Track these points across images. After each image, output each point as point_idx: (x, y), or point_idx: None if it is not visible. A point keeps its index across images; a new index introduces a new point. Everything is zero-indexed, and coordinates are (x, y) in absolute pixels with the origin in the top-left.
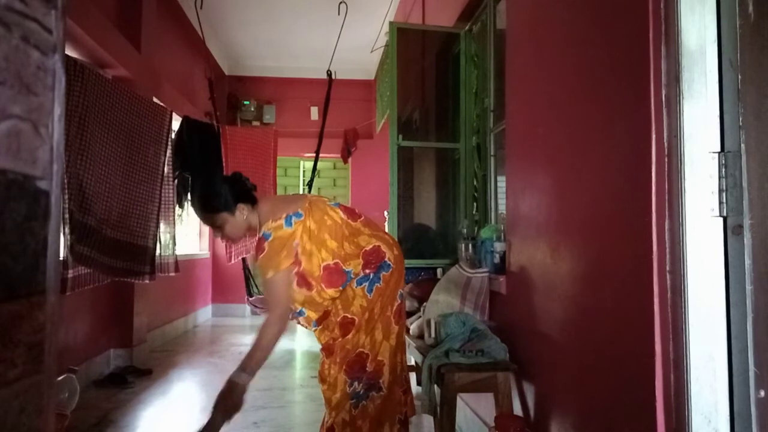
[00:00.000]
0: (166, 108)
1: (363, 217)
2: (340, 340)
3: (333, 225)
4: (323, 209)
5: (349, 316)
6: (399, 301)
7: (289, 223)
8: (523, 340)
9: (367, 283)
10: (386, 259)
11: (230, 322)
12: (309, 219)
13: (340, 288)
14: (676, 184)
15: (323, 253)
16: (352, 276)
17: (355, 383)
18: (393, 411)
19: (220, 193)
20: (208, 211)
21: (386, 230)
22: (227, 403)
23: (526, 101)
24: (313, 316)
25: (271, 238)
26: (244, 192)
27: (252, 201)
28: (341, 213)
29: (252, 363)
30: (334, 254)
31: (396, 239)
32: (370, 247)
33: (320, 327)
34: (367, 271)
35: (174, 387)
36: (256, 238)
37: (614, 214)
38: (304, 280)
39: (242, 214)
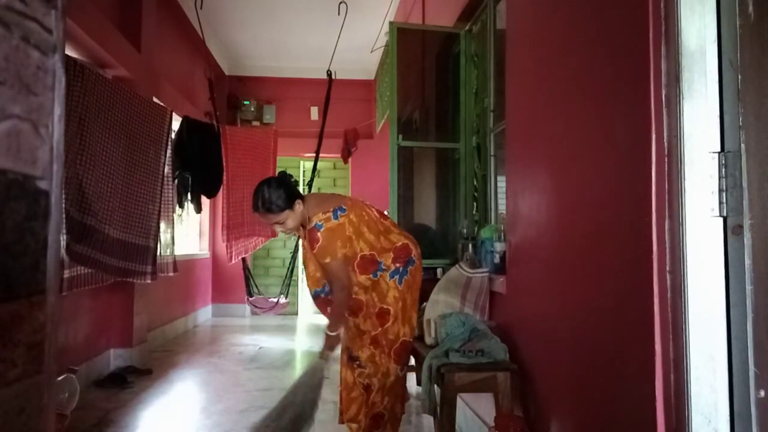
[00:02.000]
0: (166, 108)
1: (390, 220)
2: (380, 329)
3: (370, 221)
4: (362, 206)
5: (385, 306)
6: (417, 294)
7: (336, 216)
8: (523, 340)
9: (397, 276)
10: (412, 256)
11: (230, 322)
12: (351, 213)
13: (371, 276)
14: (676, 184)
15: (361, 243)
16: (383, 267)
17: (405, 369)
18: (404, 390)
19: (282, 194)
20: (275, 212)
21: None
22: (329, 343)
23: (526, 101)
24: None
25: (323, 229)
26: (295, 189)
27: (301, 197)
28: (375, 212)
29: (332, 324)
30: (371, 246)
31: (417, 241)
32: (400, 243)
33: (359, 318)
34: (397, 264)
35: (174, 387)
36: (257, 238)
37: (614, 214)
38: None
39: (299, 208)
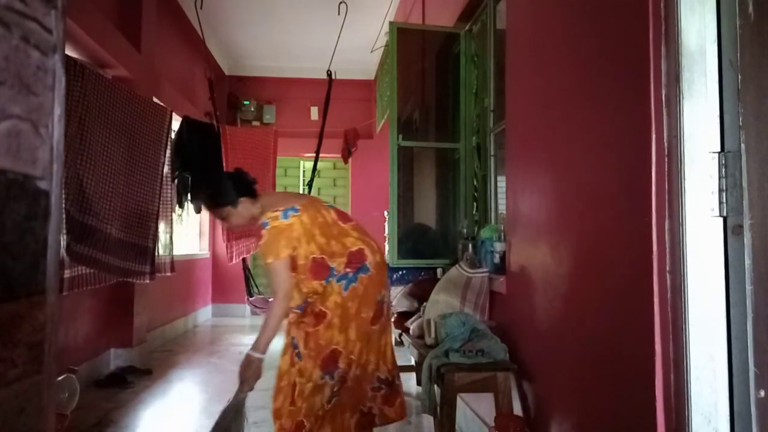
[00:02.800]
0: (166, 108)
1: (354, 222)
2: (311, 330)
3: (324, 223)
4: (318, 208)
5: (323, 309)
6: (376, 306)
7: (285, 215)
8: (523, 340)
9: (344, 281)
10: (366, 263)
11: (230, 322)
12: (304, 214)
13: (324, 282)
14: (676, 184)
15: (312, 246)
16: (334, 273)
17: (327, 377)
18: (357, 401)
19: (223, 190)
20: (214, 207)
21: (386, 231)
22: (248, 373)
23: (526, 101)
24: (297, 301)
25: (268, 227)
26: (245, 186)
27: (253, 194)
28: (333, 214)
29: (261, 341)
30: (321, 249)
31: (381, 247)
32: (355, 248)
33: (301, 316)
34: (348, 270)
35: (174, 387)
36: (258, 238)
37: (614, 214)
38: (293, 265)
39: (244, 206)
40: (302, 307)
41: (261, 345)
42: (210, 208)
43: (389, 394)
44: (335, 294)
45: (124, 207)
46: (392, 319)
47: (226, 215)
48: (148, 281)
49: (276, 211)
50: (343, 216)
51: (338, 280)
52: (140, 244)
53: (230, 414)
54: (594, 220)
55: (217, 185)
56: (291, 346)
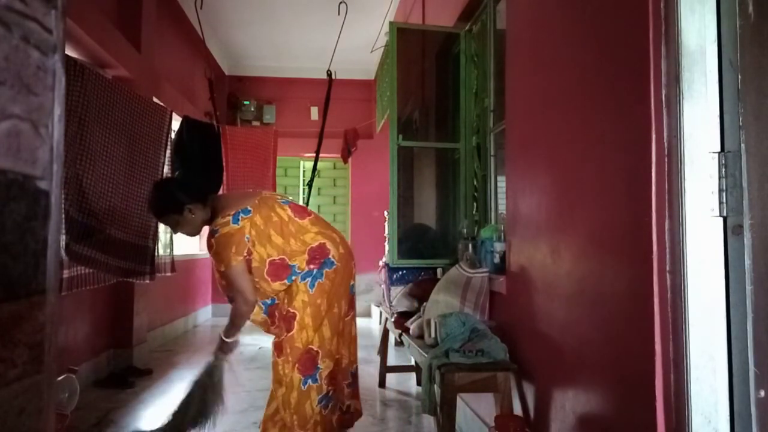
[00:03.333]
0: (166, 108)
1: (313, 216)
2: (286, 335)
3: (279, 222)
4: (271, 206)
5: (291, 310)
6: (349, 297)
7: (236, 220)
8: (523, 340)
9: (309, 279)
10: (330, 257)
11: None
12: (257, 215)
13: (286, 282)
14: (676, 184)
15: (269, 248)
16: (297, 271)
17: (309, 380)
18: (337, 402)
19: (166, 198)
20: (158, 216)
21: (386, 231)
22: (222, 348)
23: (526, 101)
24: (260, 306)
25: (218, 234)
26: (193, 193)
27: (203, 200)
28: (289, 211)
29: (230, 334)
30: (279, 250)
31: (344, 238)
32: (316, 244)
33: (271, 322)
34: (311, 266)
35: (174, 387)
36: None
37: (614, 213)
38: (249, 269)
39: (191, 213)
40: (267, 311)
41: (230, 336)
42: (156, 216)
43: (355, 386)
44: (301, 293)
45: (124, 207)
46: (396, 319)
47: (173, 223)
48: (148, 281)
49: (226, 216)
50: (300, 211)
51: (302, 279)
52: (140, 243)
53: (208, 371)
54: (594, 220)
55: (160, 193)
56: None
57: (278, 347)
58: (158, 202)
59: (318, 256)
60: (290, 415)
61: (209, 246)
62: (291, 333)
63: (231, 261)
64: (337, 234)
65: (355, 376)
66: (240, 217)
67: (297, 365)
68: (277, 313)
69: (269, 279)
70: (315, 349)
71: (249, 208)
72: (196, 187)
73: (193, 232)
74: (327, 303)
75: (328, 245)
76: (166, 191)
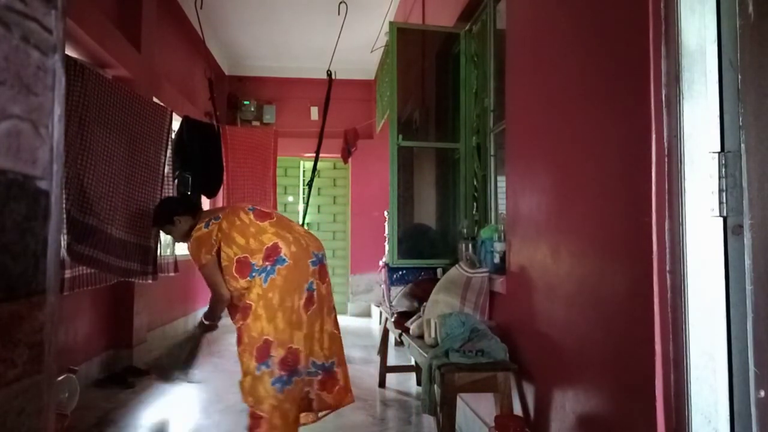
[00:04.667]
0: (166, 108)
1: (274, 219)
2: (242, 324)
3: (242, 225)
4: (237, 213)
5: (248, 302)
6: (306, 293)
7: (207, 225)
8: (523, 340)
9: (264, 275)
10: (281, 254)
11: (230, 321)
12: (224, 221)
13: (249, 278)
14: (676, 184)
15: (234, 248)
16: (256, 268)
17: (263, 367)
18: (301, 391)
19: (162, 211)
20: (156, 225)
21: (386, 231)
22: (202, 327)
23: (526, 101)
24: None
25: (192, 238)
26: (183, 208)
27: (193, 213)
28: (252, 215)
29: (208, 318)
30: (242, 249)
31: (299, 240)
32: (271, 243)
33: (234, 314)
34: (266, 263)
35: (174, 387)
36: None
37: (614, 214)
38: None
39: (180, 223)
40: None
41: (208, 320)
42: (155, 226)
43: (327, 379)
44: (257, 287)
45: (125, 207)
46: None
47: (168, 231)
48: (150, 281)
49: (201, 222)
50: (261, 215)
51: (259, 274)
52: (142, 243)
53: (189, 334)
54: (594, 220)
55: (158, 208)
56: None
57: (238, 336)
58: (155, 213)
59: (272, 254)
60: (250, 398)
61: (188, 249)
62: (246, 322)
63: (201, 259)
64: (294, 234)
65: (325, 368)
66: (211, 223)
67: (254, 353)
68: (238, 306)
69: (237, 276)
70: (270, 339)
71: (219, 216)
72: (187, 203)
73: (181, 238)
74: (279, 297)
75: (281, 244)
76: (163, 205)
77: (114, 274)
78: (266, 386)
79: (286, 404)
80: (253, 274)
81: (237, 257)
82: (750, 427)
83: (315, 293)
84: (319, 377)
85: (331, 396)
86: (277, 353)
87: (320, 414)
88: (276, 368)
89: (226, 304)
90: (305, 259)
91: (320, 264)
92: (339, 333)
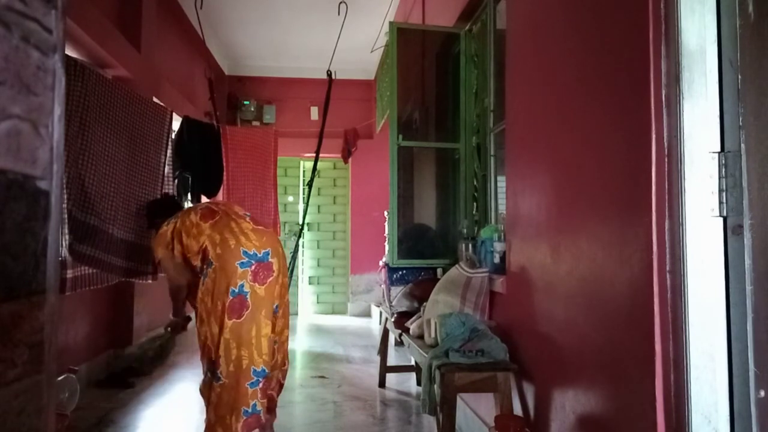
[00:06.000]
0: (166, 108)
1: (216, 218)
2: (197, 326)
3: (189, 225)
4: (189, 213)
5: (196, 304)
6: (231, 298)
7: (167, 224)
8: (523, 340)
9: (203, 276)
10: (209, 257)
11: None
12: (179, 220)
13: (200, 276)
14: (676, 184)
15: (179, 247)
16: (198, 269)
17: (209, 374)
18: (237, 403)
19: (147, 215)
20: (149, 227)
21: (386, 231)
22: (173, 324)
23: (526, 101)
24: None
25: (154, 235)
26: (163, 211)
27: (169, 214)
28: (198, 215)
29: (174, 313)
30: (187, 249)
31: (228, 241)
32: (203, 245)
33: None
34: (203, 265)
35: (174, 387)
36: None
37: (614, 214)
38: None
39: (162, 225)
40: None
41: (176, 315)
42: (148, 228)
43: (265, 385)
44: (200, 288)
45: (126, 207)
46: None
47: (156, 231)
48: (150, 281)
49: (164, 224)
50: (206, 214)
51: (201, 276)
52: (142, 243)
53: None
54: (594, 220)
55: (161, 207)
56: None
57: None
58: (146, 215)
59: (204, 256)
60: (204, 401)
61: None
62: (197, 325)
63: (158, 253)
64: (227, 234)
65: (268, 378)
66: (170, 221)
67: (204, 358)
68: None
69: (187, 273)
70: (208, 343)
71: (178, 215)
72: (166, 206)
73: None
74: (211, 301)
75: (209, 247)
76: (147, 209)
77: (116, 273)
78: (214, 394)
79: (220, 417)
80: (200, 274)
81: (185, 256)
82: (750, 427)
83: (248, 297)
84: (257, 387)
85: (273, 393)
86: (215, 357)
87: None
88: (210, 373)
89: (184, 290)
90: (232, 261)
91: (257, 263)
92: (282, 338)
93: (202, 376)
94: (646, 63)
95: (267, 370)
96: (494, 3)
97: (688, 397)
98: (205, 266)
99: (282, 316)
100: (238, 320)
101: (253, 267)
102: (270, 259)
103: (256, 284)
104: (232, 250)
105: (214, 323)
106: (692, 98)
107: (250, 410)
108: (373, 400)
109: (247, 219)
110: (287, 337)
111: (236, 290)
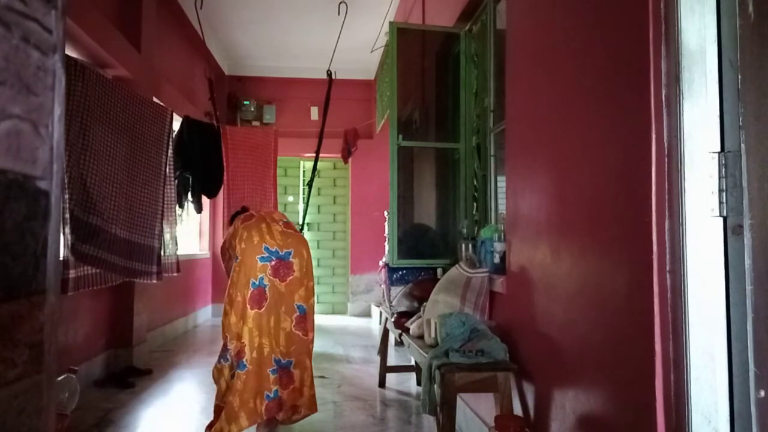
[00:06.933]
0: (166, 108)
1: (251, 221)
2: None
3: (234, 229)
4: (238, 219)
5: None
6: (251, 290)
7: (229, 232)
8: (523, 340)
9: (232, 271)
10: (236, 251)
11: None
12: (232, 227)
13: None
14: (676, 184)
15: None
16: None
17: (222, 360)
18: (261, 387)
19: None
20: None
21: (386, 231)
22: None
23: (526, 101)
24: None
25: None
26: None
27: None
28: (239, 221)
29: None
30: (233, 249)
31: (252, 237)
32: (237, 242)
33: None
34: (233, 261)
35: (174, 387)
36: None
37: (614, 214)
38: None
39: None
40: None
41: None
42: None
43: (283, 376)
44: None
45: (128, 207)
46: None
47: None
48: (155, 281)
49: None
50: (245, 218)
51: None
52: (146, 243)
53: None
54: (594, 220)
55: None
56: None
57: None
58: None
59: (234, 253)
60: (217, 387)
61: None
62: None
63: (223, 257)
64: (254, 230)
65: (286, 370)
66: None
67: (224, 346)
68: None
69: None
70: (225, 333)
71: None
72: (241, 211)
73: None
74: (234, 292)
75: (235, 242)
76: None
77: (119, 273)
78: (225, 378)
79: (229, 396)
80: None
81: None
82: (750, 427)
83: (267, 289)
84: (278, 375)
85: (287, 393)
86: (233, 346)
87: (280, 416)
88: (234, 360)
89: None
90: (252, 255)
91: (277, 260)
92: (305, 336)
93: (209, 368)
94: (646, 63)
95: (283, 360)
96: (494, 3)
97: (688, 397)
98: (233, 262)
99: (307, 319)
100: (260, 311)
101: (273, 263)
102: (291, 259)
103: (276, 279)
104: (255, 245)
105: (232, 314)
106: (692, 98)
107: (272, 395)
108: (373, 400)
109: (281, 223)
110: (311, 351)
111: (256, 282)
